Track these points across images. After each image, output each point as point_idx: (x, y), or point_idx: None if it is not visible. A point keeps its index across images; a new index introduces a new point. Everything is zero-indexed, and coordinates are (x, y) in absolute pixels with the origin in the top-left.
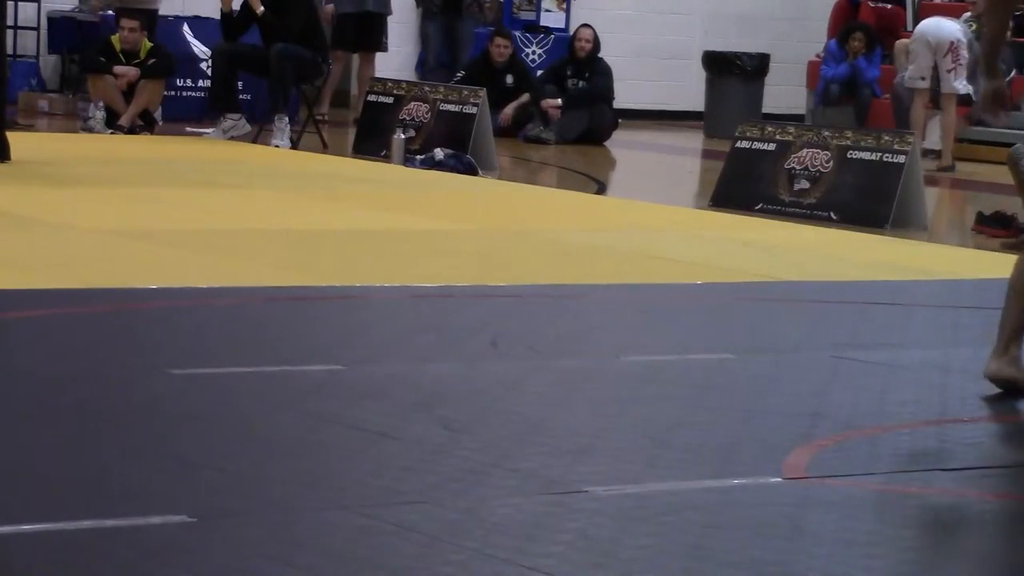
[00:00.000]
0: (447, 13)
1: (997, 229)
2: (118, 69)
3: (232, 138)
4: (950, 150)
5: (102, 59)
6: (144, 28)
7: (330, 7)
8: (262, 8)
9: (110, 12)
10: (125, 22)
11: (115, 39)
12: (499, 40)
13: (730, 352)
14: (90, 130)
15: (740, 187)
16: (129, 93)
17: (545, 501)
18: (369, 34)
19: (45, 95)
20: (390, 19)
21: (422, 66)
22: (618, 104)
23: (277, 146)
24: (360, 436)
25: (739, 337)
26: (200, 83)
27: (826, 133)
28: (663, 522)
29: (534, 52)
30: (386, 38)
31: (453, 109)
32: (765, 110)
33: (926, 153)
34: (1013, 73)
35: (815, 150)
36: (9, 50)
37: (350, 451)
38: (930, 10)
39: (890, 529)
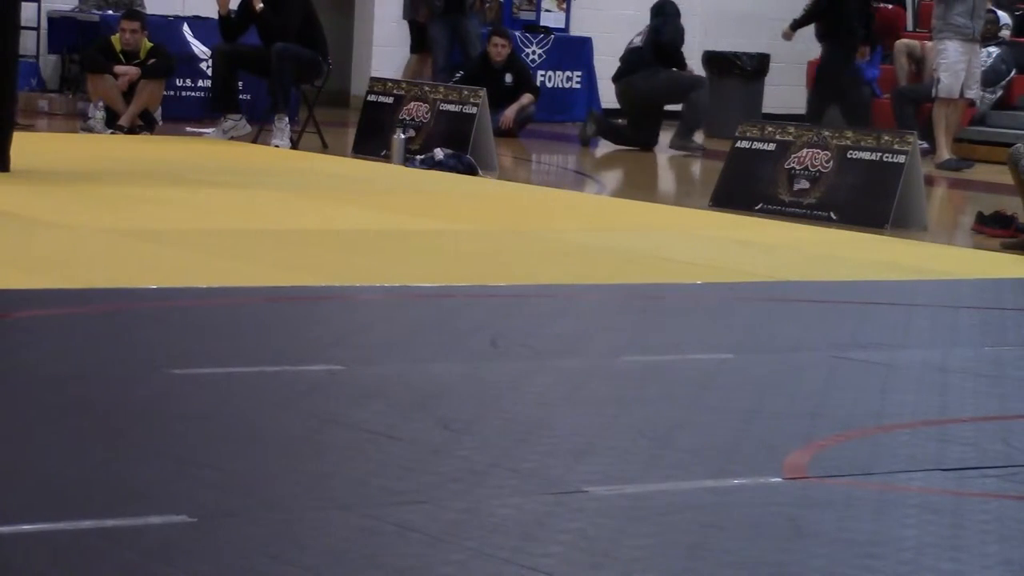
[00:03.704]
0: (450, 13)
1: (997, 229)
2: (118, 69)
3: (232, 138)
4: (944, 146)
5: (102, 58)
6: (145, 29)
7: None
8: (261, 5)
9: (110, 12)
10: (126, 23)
11: (115, 39)
12: (496, 40)
13: (730, 352)
14: (90, 130)
15: (740, 187)
16: (129, 93)
17: (545, 501)
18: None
19: (45, 95)
20: (390, 19)
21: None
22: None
23: (277, 146)
24: (360, 436)
25: (739, 337)
26: (200, 83)
27: (826, 133)
28: (663, 522)
29: (534, 52)
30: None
31: (453, 109)
32: (765, 110)
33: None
34: (1013, 73)
35: (815, 150)
36: None
37: (350, 451)
38: (930, 10)
39: (890, 529)
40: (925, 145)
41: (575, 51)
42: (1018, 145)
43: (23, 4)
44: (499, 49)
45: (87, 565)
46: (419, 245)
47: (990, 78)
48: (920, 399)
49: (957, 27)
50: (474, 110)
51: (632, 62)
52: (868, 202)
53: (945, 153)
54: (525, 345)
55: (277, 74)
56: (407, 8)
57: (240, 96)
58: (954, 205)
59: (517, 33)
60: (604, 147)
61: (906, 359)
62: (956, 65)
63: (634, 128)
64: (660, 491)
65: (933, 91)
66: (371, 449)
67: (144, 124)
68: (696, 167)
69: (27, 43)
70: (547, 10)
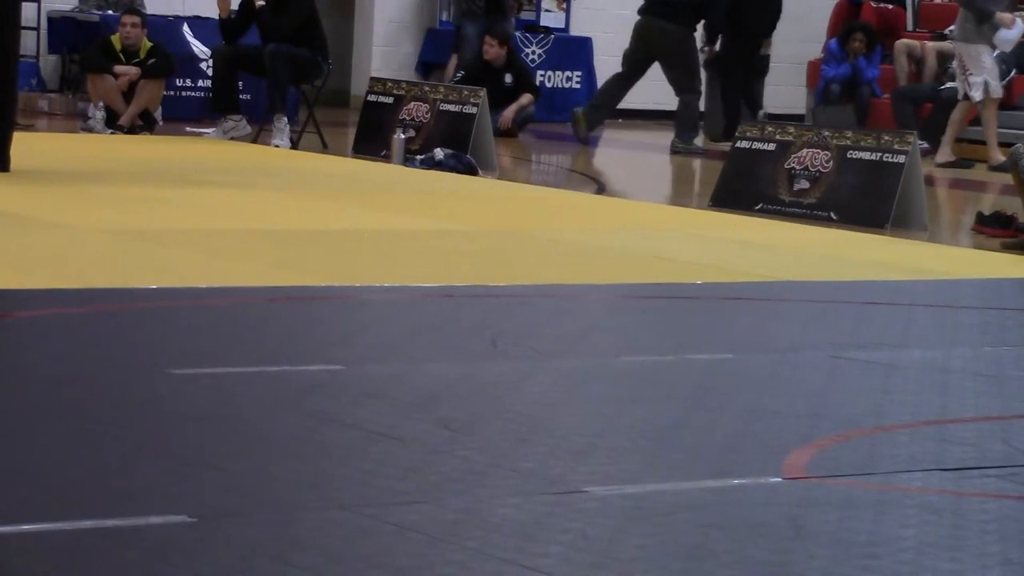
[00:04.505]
0: (491, 14)
1: (997, 229)
2: (118, 69)
3: (232, 138)
4: (949, 144)
5: (102, 58)
6: (145, 26)
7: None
8: (262, 2)
9: (110, 12)
10: (127, 18)
11: (115, 39)
12: (488, 39)
13: (730, 352)
14: (90, 130)
15: (740, 187)
16: (129, 93)
17: (545, 501)
18: None
19: (45, 95)
20: (390, 19)
21: (423, 66)
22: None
23: (277, 146)
24: (360, 436)
25: (739, 337)
26: (200, 83)
27: (826, 133)
28: (663, 522)
29: (534, 52)
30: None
31: (453, 109)
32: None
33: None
34: (1013, 73)
35: (815, 150)
36: None
37: (350, 451)
38: (930, 10)
39: (890, 529)
40: (925, 145)
41: (575, 51)
42: (1018, 145)
43: (23, 4)
44: (487, 47)
45: (87, 565)
46: (419, 245)
47: None
48: (920, 399)
49: (987, 35)
50: (474, 110)
51: (675, 10)
52: (868, 202)
53: (948, 154)
54: (525, 345)
55: (272, 75)
56: (456, 14)
57: (240, 96)
58: (954, 205)
59: (517, 33)
60: (604, 147)
61: (906, 359)
62: (993, 69)
63: (629, 68)
64: (660, 491)
65: (979, 94)
66: (371, 449)
67: (144, 124)
68: (696, 167)
69: (27, 43)
70: (547, 10)
